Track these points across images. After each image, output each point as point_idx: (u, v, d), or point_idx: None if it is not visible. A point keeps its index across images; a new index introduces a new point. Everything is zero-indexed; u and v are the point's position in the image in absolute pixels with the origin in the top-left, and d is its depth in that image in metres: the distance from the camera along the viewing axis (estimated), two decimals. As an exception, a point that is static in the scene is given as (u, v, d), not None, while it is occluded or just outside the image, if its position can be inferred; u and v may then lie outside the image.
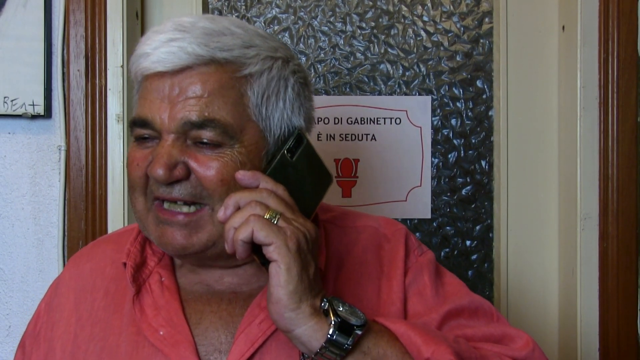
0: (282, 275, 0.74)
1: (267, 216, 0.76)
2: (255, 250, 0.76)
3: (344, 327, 0.75)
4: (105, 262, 0.97)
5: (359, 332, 0.76)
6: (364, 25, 1.57)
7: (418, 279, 0.93)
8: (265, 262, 0.76)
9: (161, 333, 0.85)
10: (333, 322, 0.75)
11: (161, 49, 0.81)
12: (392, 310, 0.90)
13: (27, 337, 0.97)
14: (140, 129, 0.84)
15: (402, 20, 1.57)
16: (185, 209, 0.83)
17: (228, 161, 0.81)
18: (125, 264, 0.91)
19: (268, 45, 0.86)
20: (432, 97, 1.57)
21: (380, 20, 1.57)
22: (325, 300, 0.77)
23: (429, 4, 1.57)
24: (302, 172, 0.86)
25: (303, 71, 0.91)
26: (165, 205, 0.84)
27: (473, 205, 1.58)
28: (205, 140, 0.81)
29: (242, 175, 0.80)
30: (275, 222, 0.76)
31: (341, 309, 0.77)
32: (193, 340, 0.84)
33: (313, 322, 0.75)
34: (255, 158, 0.83)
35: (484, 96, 1.58)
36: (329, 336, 0.74)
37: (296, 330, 0.75)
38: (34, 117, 1.46)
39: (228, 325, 0.86)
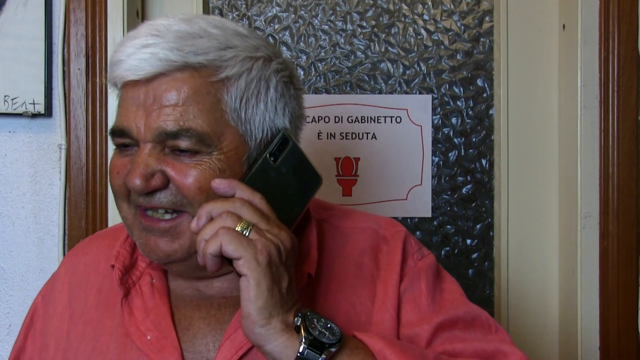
0: (251, 290, 0.72)
1: (238, 228, 0.74)
2: (230, 261, 0.74)
3: (316, 344, 0.73)
4: (99, 258, 0.96)
5: (332, 350, 0.74)
6: (364, 24, 1.57)
7: (414, 285, 0.90)
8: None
9: (149, 337, 0.84)
10: (304, 340, 0.73)
11: (134, 56, 0.78)
12: (385, 317, 0.88)
13: (23, 331, 0.96)
14: (119, 138, 0.83)
15: (403, 19, 1.57)
16: (167, 216, 0.82)
17: (206, 168, 0.79)
18: (113, 266, 0.90)
19: (248, 44, 0.83)
20: (432, 96, 1.57)
21: (381, 19, 1.57)
22: (299, 315, 0.75)
23: (430, 3, 1.57)
24: (286, 176, 0.83)
25: (288, 69, 0.88)
26: (149, 212, 0.82)
27: (473, 204, 1.58)
28: (182, 148, 0.79)
29: (218, 184, 0.78)
30: (247, 233, 0.74)
31: (315, 324, 0.75)
32: (179, 346, 0.83)
33: (284, 338, 0.73)
34: (236, 164, 0.81)
35: (485, 95, 1.58)
36: (299, 354, 0.73)
37: (267, 346, 0.74)
38: (35, 115, 1.46)
39: (216, 332, 0.85)
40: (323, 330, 0.75)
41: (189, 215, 0.81)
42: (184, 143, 0.78)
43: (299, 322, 0.75)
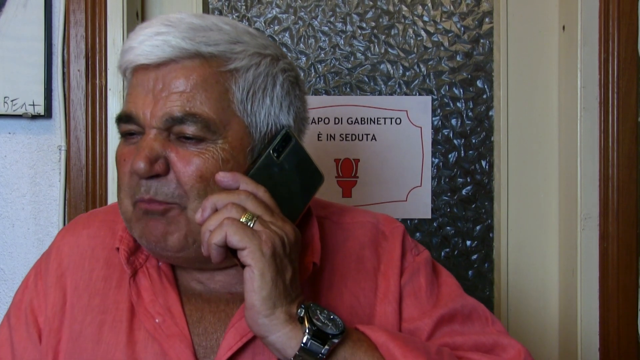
0: (255, 281, 0.73)
1: (243, 219, 0.75)
2: (234, 252, 0.75)
3: (319, 335, 0.74)
4: (104, 232, 0.95)
5: (336, 341, 0.75)
6: (364, 25, 1.57)
7: (414, 279, 0.93)
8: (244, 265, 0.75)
9: (157, 321, 0.84)
10: (307, 330, 0.74)
11: (146, 42, 0.80)
12: (388, 310, 0.89)
13: (13, 308, 0.95)
14: (125, 125, 0.83)
15: (403, 21, 1.57)
16: (161, 199, 0.81)
17: (209, 158, 0.80)
18: (118, 249, 0.89)
19: (257, 42, 0.85)
20: (432, 97, 1.57)
21: (381, 20, 1.57)
22: (302, 306, 0.76)
23: (429, 4, 1.57)
24: (288, 172, 0.84)
25: (294, 70, 0.90)
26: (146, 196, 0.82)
27: (473, 205, 1.58)
28: (188, 135, 0.80)
29: (222, 177, 0.79)
30: (251, 225, 0.75)
31: (319, 316, 0.75)
32: (190, 336, 0.84)
33: (287, 329, 0.74)
34: (240, 154, 0.82)
35: (484, 96, 1.58)
36: (302, 344, 0.74)
37: (270, 337, 0.74)
38: (34, 117, 1.46)
39: (225, 326, 0.85)
40: (326, 321, 0.75)
41: (179, 207, 0.81)
42: (190, 129, 0.79)
43: (302, 313, 0.75)
